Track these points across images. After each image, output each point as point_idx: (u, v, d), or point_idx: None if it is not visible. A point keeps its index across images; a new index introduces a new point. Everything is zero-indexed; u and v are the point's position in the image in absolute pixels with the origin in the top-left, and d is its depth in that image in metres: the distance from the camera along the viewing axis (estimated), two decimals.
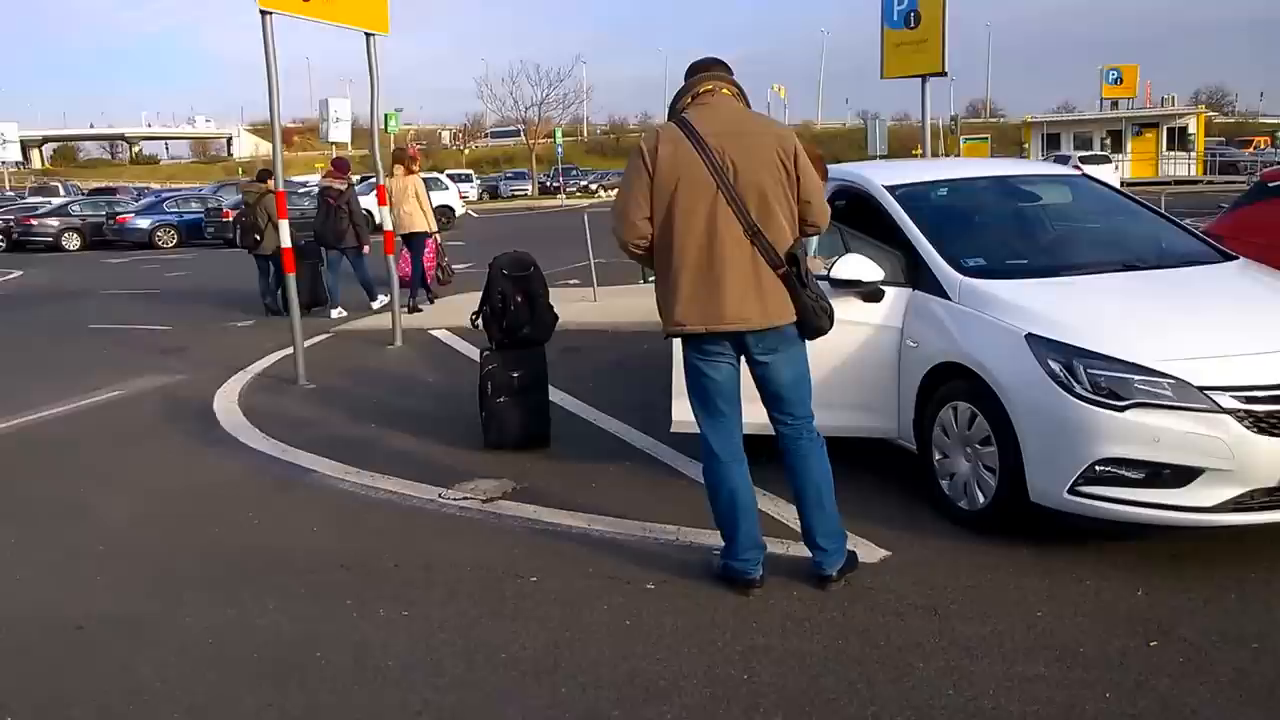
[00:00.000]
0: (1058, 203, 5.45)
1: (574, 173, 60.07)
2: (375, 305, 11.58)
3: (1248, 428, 3.51)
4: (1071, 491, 3.74)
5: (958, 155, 34.11)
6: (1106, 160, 38.40)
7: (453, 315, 10.90)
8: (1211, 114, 57.29)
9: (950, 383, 4.29)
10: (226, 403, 7.47)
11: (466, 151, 79.99)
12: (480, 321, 5.85)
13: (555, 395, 6.39)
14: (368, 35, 8.73)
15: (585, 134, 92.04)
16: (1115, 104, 49.07)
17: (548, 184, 55.84)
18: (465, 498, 5.00)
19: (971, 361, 4.12)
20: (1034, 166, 7.90)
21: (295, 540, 4.57)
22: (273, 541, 4.58)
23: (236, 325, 11.68)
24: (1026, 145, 47.64)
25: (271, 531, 4.72)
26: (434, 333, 10.08)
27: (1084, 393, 3.68)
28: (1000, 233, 5.11)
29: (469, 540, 4.46)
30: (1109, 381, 3.65)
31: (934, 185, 5.18)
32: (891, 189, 5.02)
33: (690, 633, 3.44)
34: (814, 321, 3.63)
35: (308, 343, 9.35)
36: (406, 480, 5.30)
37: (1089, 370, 3.69)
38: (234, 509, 5.05)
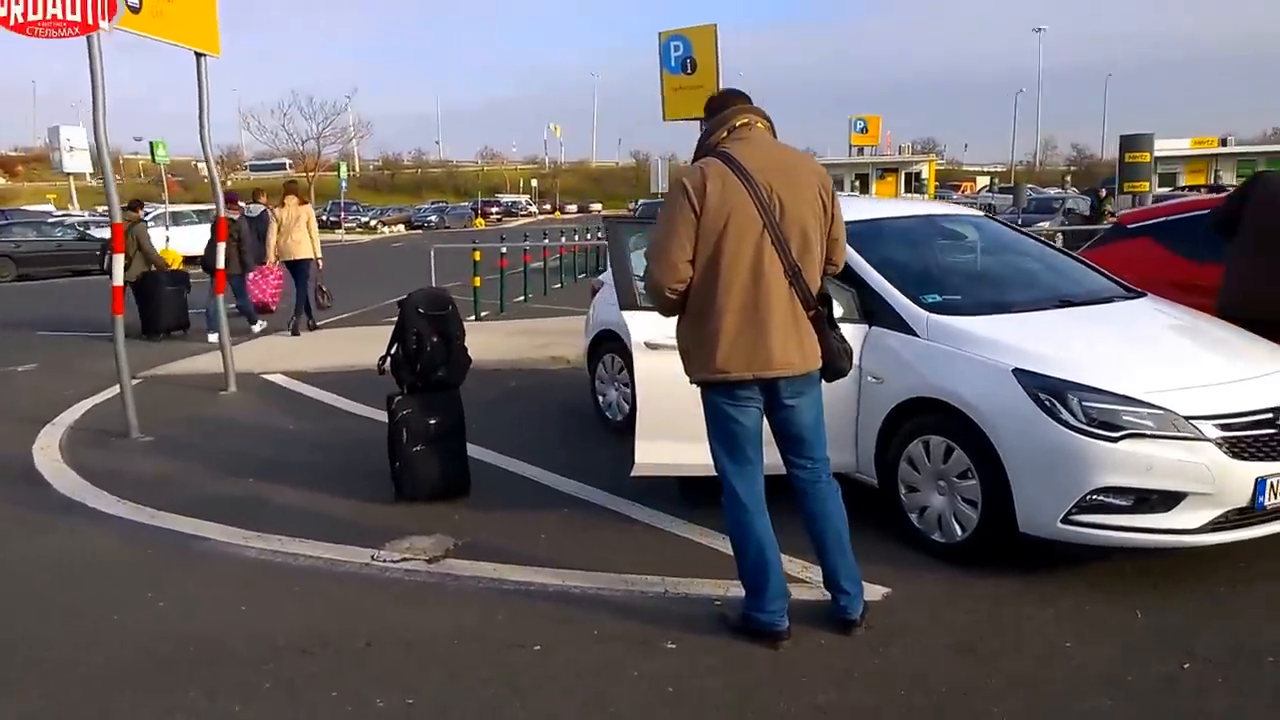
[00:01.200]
0: (974, 240, 5.73)
1: (354, 208, 58.31)
2: (256, 329, 12.14)
3: (1225, 453, 3.77)
4: (1065, 521, 3.87)
5: None
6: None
7: (279, 358, 10.12)
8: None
9: (918, 418, 4.35)
10: (49, 460, 6.45)
11: (228, 184, 75.25)
12: (387, 365, 5.37)
13: None
14: (198, 55, 7.91)
15: (358, 169, 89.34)
16: (861, 150, 53.23)
17: (325, 218, 53.60)
18: (405, 558, 4.53)
19: (950, 396, 4.19)
20: (946, 206, 8.30)
21: (224, 623, 3.94)
22: (196, 627, 3.92)
23: (18, 370, 10.19)
24: None
25: (188, 615, 4.05)
26: (268, 377, 9.20)
27: (1079, 425, 3.83)
28: (943, 270, 5.29)
29: (436, 608, 4.03)
30: (1101, 414, 3.82)
31: (871, 224, 5.29)
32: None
33: (743, 696, 3.24)
34: (838, 364, 3.57)
35: (106, 393, 8.33)
36: (323, 543, 4.74)
37: (1084, 403, 3.84)
38: (126, 591, 4.30)
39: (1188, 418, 3.79)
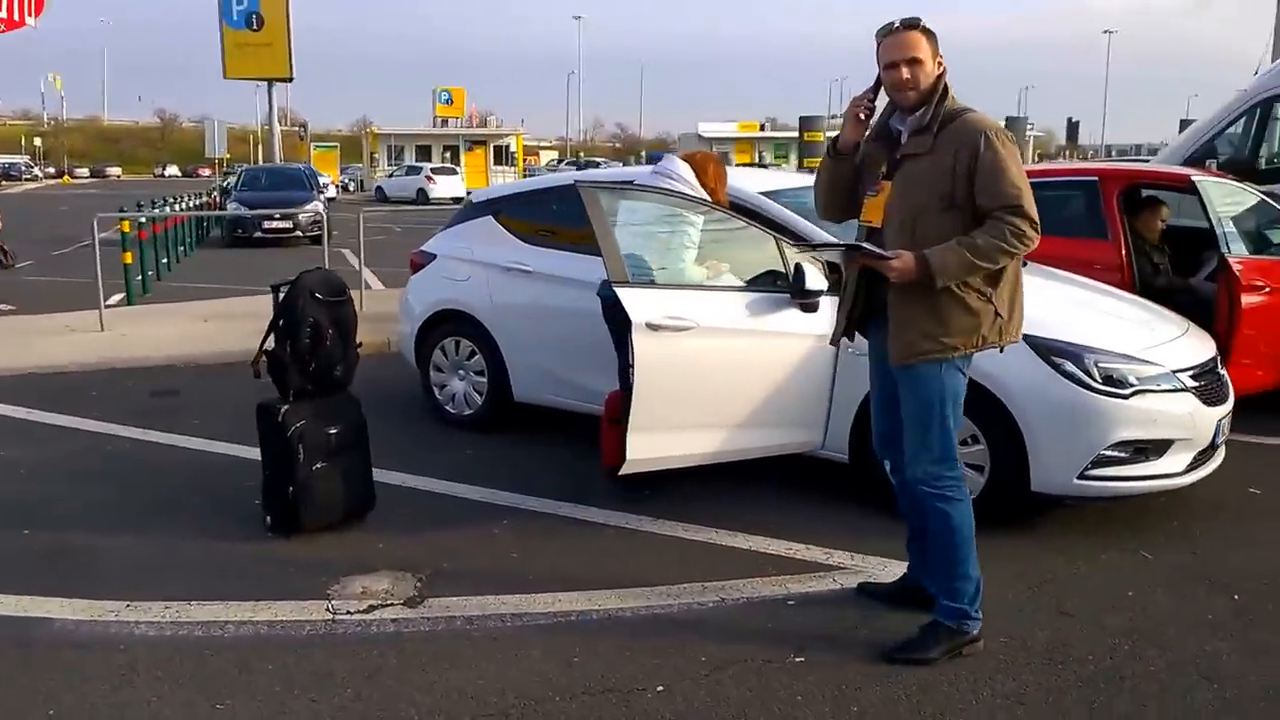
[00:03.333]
0: None
1: None
2: None
3: (1200, 401, 4.19)
4: (1081, 477, 4.06)
5: (308, 163, 33.51)
6: (454, 172, 41.31)
7: None
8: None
9: None
10: None
11: None
12: (264, 366, 4.23)
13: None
14: None
15: None
16: (445, 122, 52.78)
17: None
18: (374, 605, 3.61)
19: None
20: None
21: None
22: None
23: None
24: (377, 156, 48.89)
25: None
26: None
27: (1096, 385, 4.02)
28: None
29: (484, 661, 3.21)
30: (1114, 373, 4.05)
31: (797, 193, 5.13)
32: (772, 195, 4.88)
33: (927, 691, 2.98)
34: None
35: None
36: (240, 603, 3.62)
37: (1099, 364, 4.04)
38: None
39: (1173, 371, 4.16)
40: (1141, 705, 2.94)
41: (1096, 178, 6.63)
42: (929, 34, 3.09)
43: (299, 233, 19.20)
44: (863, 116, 3.18)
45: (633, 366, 4.12)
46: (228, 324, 9.33)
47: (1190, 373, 4.23)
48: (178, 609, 3.58)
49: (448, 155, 48.92)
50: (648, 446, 4.13)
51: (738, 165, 23.98)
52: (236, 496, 4.65)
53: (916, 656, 3.15)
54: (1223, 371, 4.49)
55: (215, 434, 5.81)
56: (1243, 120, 8.48)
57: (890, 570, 3.84)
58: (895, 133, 3.20)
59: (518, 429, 5.79)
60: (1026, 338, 4.04)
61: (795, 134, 57.20)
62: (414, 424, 5.91)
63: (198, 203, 22.04)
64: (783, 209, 4.86)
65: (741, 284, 4.46)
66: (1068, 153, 57.72)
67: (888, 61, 3.09)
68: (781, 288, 4.37)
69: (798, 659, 3.22)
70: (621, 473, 4.17)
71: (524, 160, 52.69)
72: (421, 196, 36.87)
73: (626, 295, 4.00)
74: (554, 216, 5.70)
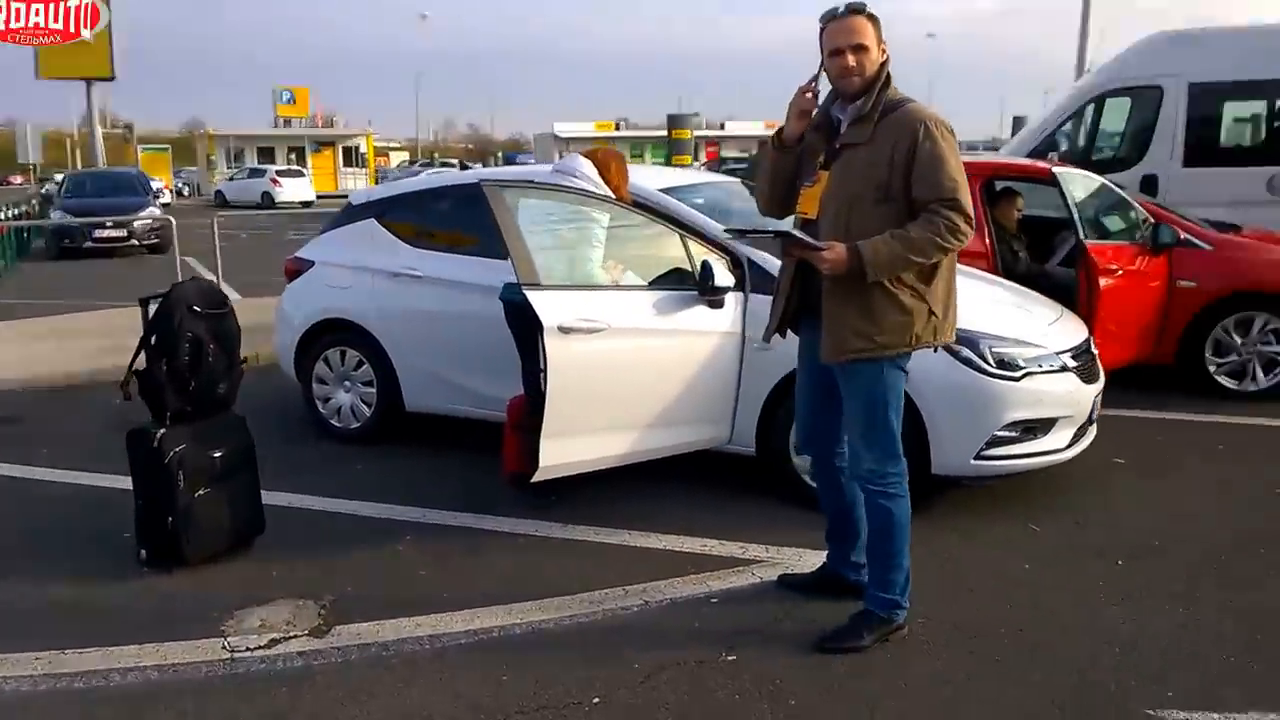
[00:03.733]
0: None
1: None
2: None
3: (1080, 380, 4.41)
4: (977, 458, 4.21)
5: (137, 167, 31.58)
6: (301, 175, 39.82)
7: None
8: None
9: None
10: None
11: None
12: (135, 387, 3.91)
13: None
14: None
15: None
16: (288, 122, 50.69)
17: None
18: (276, 639, 3.38)
19: None
20: (713, 175, 8.08)
21: None
22: None
23: None
24: (214, 158, 46.59)
25: None
26: None
27: (991, 369, 4.17)
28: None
29: (408, 691, 3.04)
30: (1006, 357, 4.20)
31: (689, 189, 5.11)
32: (671, 192, 4.85)
33: (861, 678, 3.01)
34: None
35: None
36: (126, 647, 3.32)
37: (992, 349, 4.18)
38: None
39: (1057, 353, 4.36)
40: (1054, 675, 3.05)
41: None
42: (873, 19, 3.02)
43: (134, 241, 18.03)
44: (806, 107, 3.10)
45: (544, 371, 4.01)
46: (68, 342, 8.65)
47: (1070, 353, 4.44)
48: (52, 659, 3.26)
49: (293, 157, 47.12)
50: (561, 452, 4.04)
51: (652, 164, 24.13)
52: (103, 530, 4.29)
53: (849, 645, 3.18)
54: (1095, 351, 4.73)
55: (68, 463, 5.35)
56: (1078, 115, 9.02)
57: (806, 561, 3.88)
58: (835, 121, 3.14)
59: (408, 440, 5.57)
60: None
61: (651, 133, 58.12)
62: (296, 440, 5.60)
63: (16, 212, 20.41)
64: (683, 205, 4.83)
65: (645, 283, 4.42)
66: None
67: (832, 48, 3.01)
68: (688, 285, 4.35)
69: (730, 657, 3.20)
70: (535, 479, 4.06)
71: (375, 162, 51.09)
72: (266, 200, 35.36)
73: (537, 298, 3.89)
74: (442, 219, 5.52)
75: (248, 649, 3.31)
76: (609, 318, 4.10)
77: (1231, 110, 8.89)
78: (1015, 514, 4.37)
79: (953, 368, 4.16)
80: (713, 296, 4.32)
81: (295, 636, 3.39)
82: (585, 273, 4.33)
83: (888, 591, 3.22)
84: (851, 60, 2.98)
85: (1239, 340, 6.23)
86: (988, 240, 6.43)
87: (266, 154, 46.58)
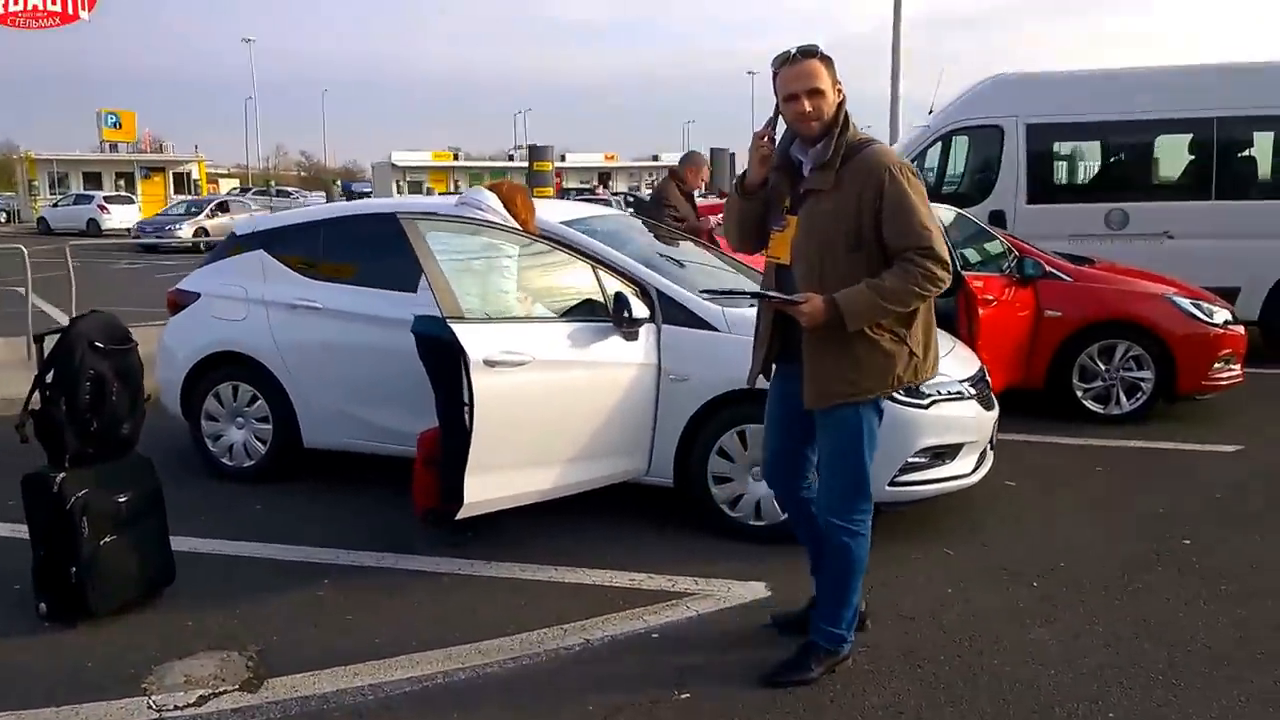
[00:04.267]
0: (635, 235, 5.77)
1: None
2: None
3: (981, 406, 4.66)
4: (891, 484, 4.38)
5: None
6: (130, 201, 38.01)
7: None
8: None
9: (733, 409, 4.46)
10: None
11: None
12: (29, 428, 3.62)
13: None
14: None
15: None
16: (115, 146, 48.07)
17: None
18: (208, 695, 3.18)
19: None
20: (605, 209, 7.88)
21: None
22: None
23: None
24: (36, 184, 43.74)
25: None
26: None
27: (900, 397, 4.34)
28: (683, 264, 5.31)
29: None
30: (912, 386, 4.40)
31: (587, 222, 5.13)
32: (573, 224, 4.88)
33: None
34: None
35: None
36: (39, 710, 3.07)
37: None
38: None
39: (960, 381, 4.60)
40: (1001, 700, 3.17)
41: None
42: (827, 61, 3.01)
43: None
44: (766, 153, 3.09)
45: (468, 405, 3.95)
46: None
47: (969, 382, 4.70)
48: None
49: (121, 183, 44.85)
50: (486, 487, 3.99)
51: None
52: None
53: (798, 678, 3.22)
54: (989, 379, 5.02)
55: None
56: (924, 154, 9.55)
57: (735, 593, 3.94)
58: (797, 162, 3.14)
59: (304, 478, 5.35)
60: None
61: (489, 164, 57.57)
62: (185, 481, 5.24)
63: None
64: (586, 237, 4.86)
65: (555, 315, 4.43)
66: None
67: (787, 93, 3.00)
68: (604, 317, 4.38)
69: (683, 695, 3.20)
70: (459, 516, 3.98)
71: (206, 189, 48.93)
72: (93, 227, 33.47)
73: (463, 331, 3.84)
74: (341, 250, 5.35)
75: (175, 707, 3.10)
76: (531, 350, 4.09)
77: (1067, 149, 9.61)
78: (927, 539, 4.55)
79: None
80: (629, 328, 4.36)
81: (226, 691, 3.20)
82: (501, 305, 4.29)
83: (836, 625, 3.27)
84: (808, 105, 2.98)
85: (1103, 366, 6.73)
86: None
87: (93, 179, 44.29)
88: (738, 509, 4.52)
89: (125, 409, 3.77)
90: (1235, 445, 6.18)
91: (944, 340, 5.10)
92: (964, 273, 6.31)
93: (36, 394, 3.64)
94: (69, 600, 3.62)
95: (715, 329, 4.55)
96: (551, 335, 4.25)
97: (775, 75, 3.06)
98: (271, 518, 4.85)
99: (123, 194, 39.62)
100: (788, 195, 3.16)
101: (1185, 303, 6.74)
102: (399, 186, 51.49)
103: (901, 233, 2.97)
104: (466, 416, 4.01)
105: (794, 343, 3.15)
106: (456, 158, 60.24)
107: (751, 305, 4.72)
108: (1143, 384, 6.70)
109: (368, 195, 22.08)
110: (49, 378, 3.62)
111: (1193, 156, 9.07)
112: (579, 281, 4.49)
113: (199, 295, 5.53)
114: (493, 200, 4.54)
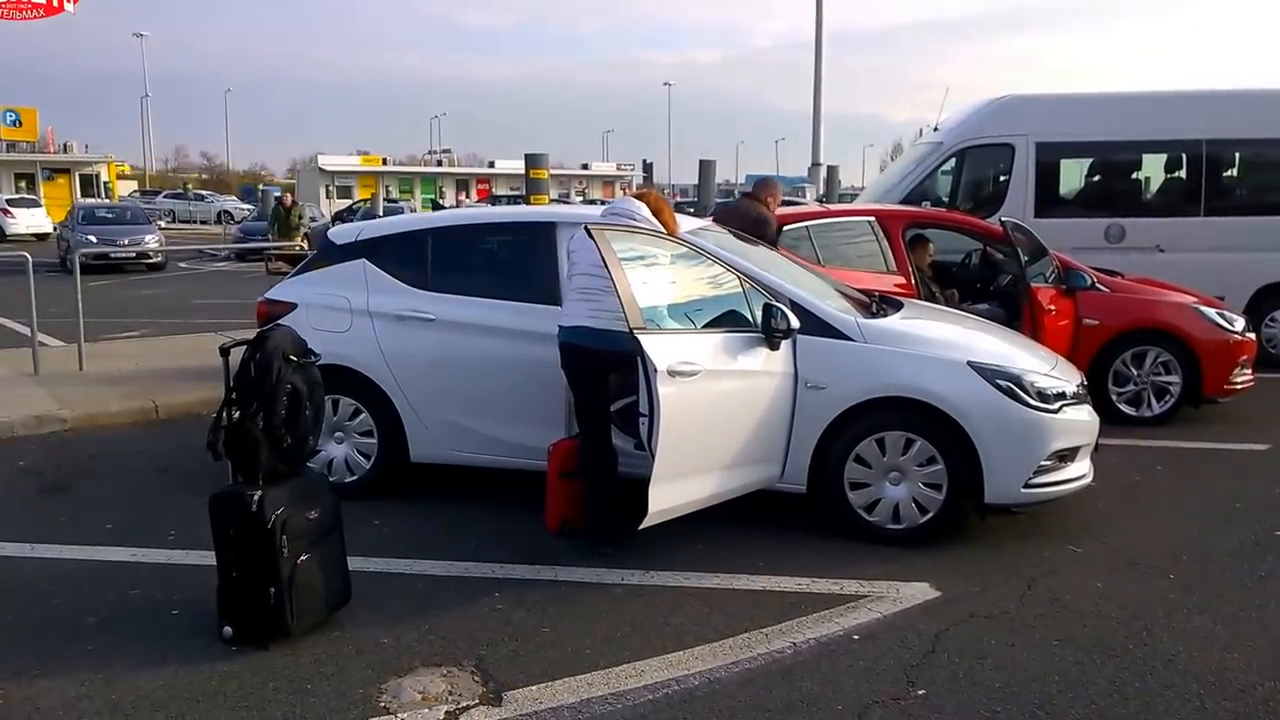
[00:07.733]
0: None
1: None
2: None
3: (1092, 410, 4.90)
4: (1026, 486, 4.57)
5: None
6: (36, 204, 36.03)
7: None
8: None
9: (871, 417, 4.58)
10: None
11: None
12: (221, 444, 3.50)
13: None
14: None
15: None
16: (14, 146, 45.64)
17: None
18: (454, 710, 3.14)
19: (917, 393, 4.50)
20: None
21: None
22: None
23: None
24: None
25: None
26: None
27: (1035, 403, 4.55)
28: (797, 275, 5.38)
29: None
30: (1045, 392, 4.60)
31: (702, 234, 5.16)
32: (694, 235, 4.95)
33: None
34: None
35: None
36: None
37: (1035, 385, 4.57)
38: None
39: (1077, 385, 4.83)
40: (1206, 680, 3.39)
41: (874, 218, 7.44)
42: None
43: None
44: None
45: (649, 416, 3.98)
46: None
47: (1080, 387, 4.93)
48: None
49: (24, 184, 42.53)
50: (668, 496, 4.03)
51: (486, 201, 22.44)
52: (139, 610, 3.82)
53: None
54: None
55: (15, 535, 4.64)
56: (942, 168, 9.92)
57: (906, 594, 4.04)
58: None
59: (407, 494, 5.26)
60: (971, 364, 4.52)
61: (416, 169, 56.58)
62: None
63: None
64: (714, 246, 4.90)
65: (696, 325, 4.48)
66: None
67: None
68: (746, 327, 4.45)
69: (919, 691, 3.30)
70: (643, 525, 4.01)
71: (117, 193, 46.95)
72: None
73: (649, 342, 3.87)
74: (451, 259, 5.29)
75: None
76: (700, 359, 4.15)
77: (1072, 166, 10.11)
78: (1050, 538, 4.72)
79: (999, 403, 4.49)
80: (781, 338, 4.44)
81: (472, 706, 3.17)
82: (669, 316, 4.33)
83: None
84: None
85: (1135, 372, 7.10)
86: (914, 282, 6.98)
87: None
88: (875, 513, 4.64)
89: (310, 425, 3.68)
90: (1265, 444, 6.59)
91: (1047, 352, 5.34)
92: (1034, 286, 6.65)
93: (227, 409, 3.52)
94: (262, 623, 3.51)
95: (850, 339, 4.66)
96: (712, 345, 4.31)
97: None
98: (400, 534, 4.75)
99: (26, 196, 37.45)
100: None
101: (1210, 312, 7.18)
102: (328, 191, 50.24)
103: None
104: (643, 427, 4.03)
105: None
106: (385, 163, 59.09)
107: (884, 314, 4.90)
108: (1171, 388, 7.09)
109: (279, 199, 21.04)
110: (245, 392, 3.51)
111: (1182, 176, 9.65)
112: (724, 291, 4.55)
113: (294, 305, 5.37)
114: (645, 210, 4.56)
